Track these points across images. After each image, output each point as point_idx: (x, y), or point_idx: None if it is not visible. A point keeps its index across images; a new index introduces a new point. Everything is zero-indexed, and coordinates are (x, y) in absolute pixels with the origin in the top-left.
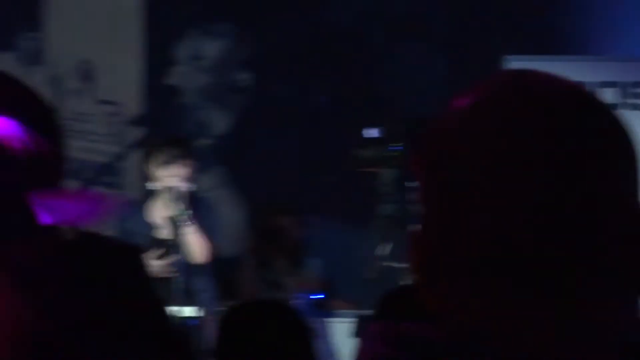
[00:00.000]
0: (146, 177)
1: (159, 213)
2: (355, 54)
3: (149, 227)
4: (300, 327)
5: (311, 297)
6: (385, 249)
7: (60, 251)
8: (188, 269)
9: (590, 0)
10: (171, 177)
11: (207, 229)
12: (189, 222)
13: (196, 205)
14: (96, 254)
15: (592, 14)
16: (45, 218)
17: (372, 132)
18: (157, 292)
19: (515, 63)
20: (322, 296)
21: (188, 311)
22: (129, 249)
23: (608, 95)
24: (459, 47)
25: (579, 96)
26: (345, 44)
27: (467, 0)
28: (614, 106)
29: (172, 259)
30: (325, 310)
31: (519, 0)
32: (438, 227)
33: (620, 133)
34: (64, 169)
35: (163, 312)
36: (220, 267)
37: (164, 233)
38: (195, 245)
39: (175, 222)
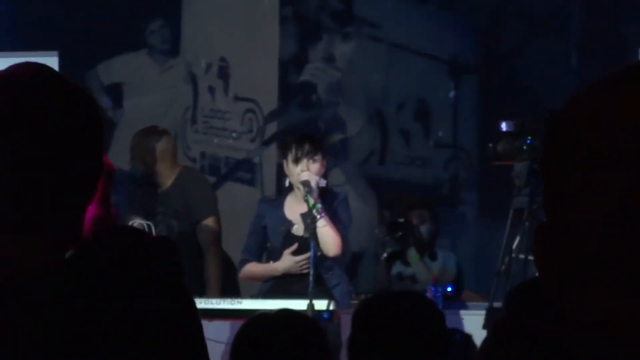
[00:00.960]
0: (282, 173)
1: (293, 208)
2: (490, 48)
3: (285, 222)
4: (434, 316)
5: (443, 289)
6: (516, 241)
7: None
8: (321, 263)
9: None
10: (303, 172)
11: (339, 222)
12: (321, 217)
13: (328, 200)
14: (128, 249)
15: None
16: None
17: (508, 126)
18: (186, 289)
19: None
20: (454, 288)
21: (321, 305)
22: (164, 242)
23: None
24: (592, 42)
25: None
26: (479, 39)
27: None
28: None
29: (308, 254)
30: (457, 301)
31: None
32: (561, 220)
33: None
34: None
35: (192, 312)
36: (353, 261)
37: (299, 230)
38: (328, 239)
39: (307, 217)
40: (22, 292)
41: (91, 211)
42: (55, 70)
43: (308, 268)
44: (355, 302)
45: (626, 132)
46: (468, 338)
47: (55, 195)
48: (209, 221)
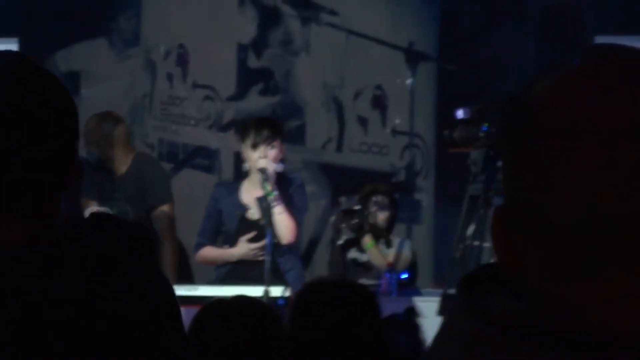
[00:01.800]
0: (240, 160)
1: (250, 192)
2: (451, 37)
3: (240, 206)
4: (370, 306)
5: (398, 276)
6: (472, 228)
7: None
8: (276, 249)
9: None
10: (260, 158)
11: (295, 209)
12: (277, 204)
13: (284, 186)
14: (105, 234)
15: None
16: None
17: (464, 113)
18: (162, 275)
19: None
20: (409, 275)
21: (276, 291)
22: (136, 228)
23: None
24: (550, 29)
25: None
26: (441, 27)
27: None
28: None
29: (263, 242)
30: (411, 288)
31: None
32: (521, 198)
33: None
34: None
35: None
36: (308, 247)
37: (254, 214)
38: (283, 226)
39: (263, 202)
40: None
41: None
42: (24, 56)
43: (263, 255)
44: None
45: (582, 116)
46: (412, 311)
47: (25, 179)
48: (164, 207)
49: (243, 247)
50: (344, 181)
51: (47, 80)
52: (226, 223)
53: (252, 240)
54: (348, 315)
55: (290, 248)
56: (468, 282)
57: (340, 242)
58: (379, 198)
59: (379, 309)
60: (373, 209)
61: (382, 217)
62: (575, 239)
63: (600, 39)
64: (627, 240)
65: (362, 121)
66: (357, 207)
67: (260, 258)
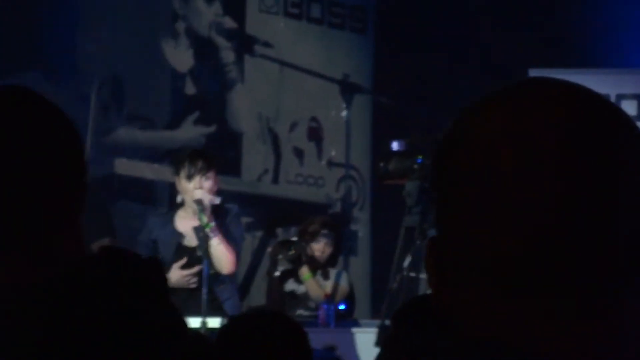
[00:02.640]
0: (175, 190)
1: (184, 222)
2: (386, 69)
3: (176, 235)
4: (299, 338)
5: (336, 307)
6: (408, 260)
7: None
8: (212, 279)
9: (614, 13)
10: (196, 190)
11: (232, 239)
12: (214, 235)
13: (221, 216)
14: (118, 269)
15: (617, 27)
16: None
17: (399, 145)
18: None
19: (538, 75)
20: (347, 306)
21: (214, 322)
22: (150, 262)
23: (629, 108)
24: (483, 61)
25: (599, 106)
26: (376, 60)
27: (491, 15)
28: (637, 118)
29: (196, 269)
30: (349, 319)
31: (542, 13)
32: (452, 233)
33: None
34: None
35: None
36: (245, 277)
37: (191, 242)
38: (222, 257)
39: (200, 233)
40: (8, 318)
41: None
42: (32, 90)
43: (196, 282)
44: None
45: (505, 155)
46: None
47: (33, 215)
48: (104, 241)
49: (175, 274)
50: (280, 213)
51: (54, 115)
52: (162, 252)
53: (184, 266)
54: (275, 349)
55: (228, 277)
56: (401, 314)
57: (277, 273)
58: (325, 232)
59: (308, 342)
60: (319, 243)
61: (327, 251)
62: (509, 275)
63: (533, 72)
64: (552, 277)
65: (298, 153)
66: (293, 239)
67: (193, 285)
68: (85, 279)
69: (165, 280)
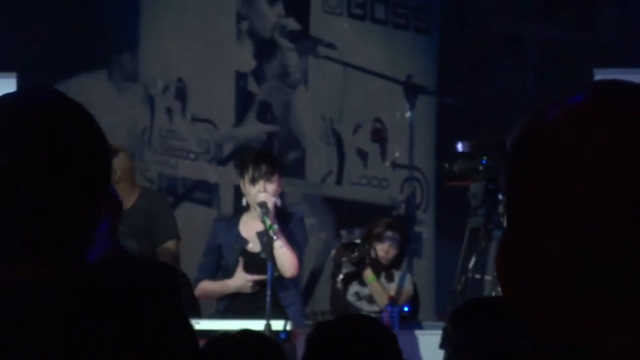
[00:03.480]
0: (239, 193)
1: (249, 226)
2: (445, 69)
3: (240, 240)
4: (388, 341)
5: (400, 309)
6: (472, 261)
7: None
8: (277, 282)
9: None
10: (259, 192)
11: (295, 243)
12: (278, 238)
13: (284, 220)
14: (129, 274)
15: None
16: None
17: (464, 146)
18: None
19: (603, 76)
20: (411, 308)
21: (277, 325)
22: (163, 268)
23: None
24: (548, 62)
25: None
26: (440, 60)
27: (555, 16)
28: None
29: (261, 277)
30: (413, 321)
31: (609, 14)
32: (524, 236)
33: None
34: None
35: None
36: (309, 281)
37: (254, 247)
38: (285, 260)
39: (263, 237)
40: (29, 321)
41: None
42: (69, 98)
43: (259, 287)
44: (310, 322)
45: (588, 154)
46: None
47: (63, 223)
48: (170, 244)
49: (240, 279)
50: (344, 214)
51: (80, 118)
52: (225, 257)
53: (250, 271)
54: (369, 352)
55: (291, 281)
56: (459, 315)
57: (341, 276)
58: (390, 234)
59: (398, 344)
60: (384, 244)
61: (391, 253)
62: (579, 276)
63: (599, 73)
64: (628, 274)
65: (362, 154)
66: (357, 241)
67: (257, 290)
68: (97, 283)
69: (177, 286)
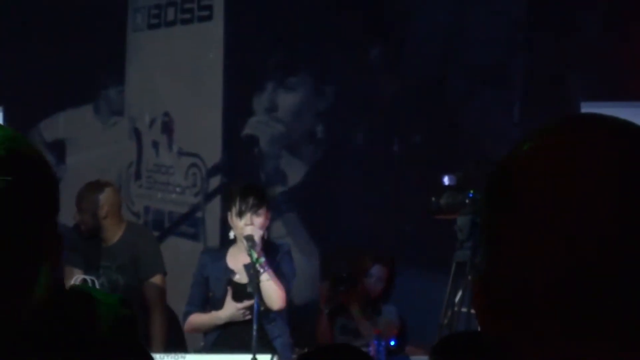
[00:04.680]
0: (226, 226)
1: (236, 258)
2: (432, 102)
3: (227, 272)
4: None
5: (386, 343)
6: (459, 295)
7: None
8: (264, 315)
9: None
10: (247, 225)
11: (282, 275)
12: (264, 271)
13: (271, 253)
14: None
15: None
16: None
17: (450, 179)
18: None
19: (590, 108)
20: (397, 342)
21: (263, 358)
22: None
23: None
24: (535, 94)
25: None
26: (422, 92)
27: (543, 48)
28: None
29: (251, 302)
30: (400, 355)
31: (595, 47)
32: (503, 267)
33: None
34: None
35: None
36: (295, 313)
37: (242, 279)
38: (272, 293)
39: (250, 270)
40: None
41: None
42: (11, 131)
43: (250, 315)
44: (297, 355)
45: (561, 185)
46: None
47: (11, 260)
48: (156, 279)
49: (230, 308)
50: (339, 247)
51: (27, 152)
52: (213, 289)
53: (238, 300)
54: None
55: (279, 314)
56: (441, 348)
57: (327, 310)
58: (378, 268)
59: None
60: (371, 278)
61: (379, 286)
62: (561, 304)
63: (585, 105)
64: (612, 308)
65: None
66: (344, 274)
67: (249, 317)
68: (47, 319)
69: (133, 318)
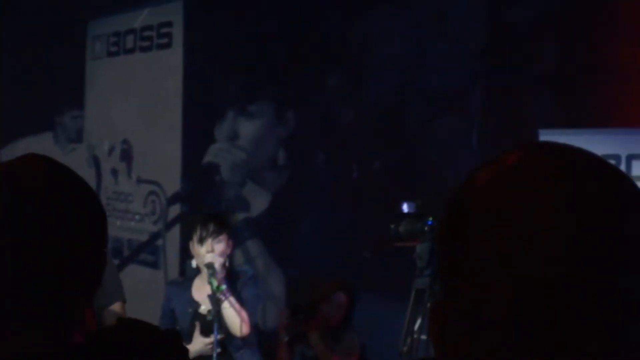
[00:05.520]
0: (186, 255)
1: (201, 291)
2: (391, 129)
3: (192, 303)
4: None
5: None
6: (418, 322)
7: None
8: (231, 343)
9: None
10: (207, 252)
11: (247, 302)
12: (226, 297)
13: (234, 280)
14: (137, 342)
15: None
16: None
17: (409, 207)
18: None
19: (549, 136)
20: None
21: None
22: (168, 334)
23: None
24: (493, 122)
25: (601, 167)
26: (381, 120)
27: (501, 76)
28: None
29: (213, 334)
30: None
31: (552, 75)
32: (459, 293)
33: None
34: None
35: None
36: (265, 339)
37: (206, 309)
38: (234, 319)
39: (213, 298)
40: None
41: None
42: (59, 163)
43: (215, 348)
44: None
45: (515, 211)
46: None
47: (60, 290)
48: (116, 306)
49: (197, 343)
50: (300, 274)
51: (79, 186)
52: (179, 322)
53: (206, 335)
54: None
55: (245, 341)
56: None
57: (286, 337)
58: (338, 295)
59: None
60: (332, 304)
61: (339, 313)
62: (513, 335)
63: (543, 133)
64: (560, 341)
65: None
66: (303, 302)
67: (218, 350)
68: (107, 350)
69: (183, 350)
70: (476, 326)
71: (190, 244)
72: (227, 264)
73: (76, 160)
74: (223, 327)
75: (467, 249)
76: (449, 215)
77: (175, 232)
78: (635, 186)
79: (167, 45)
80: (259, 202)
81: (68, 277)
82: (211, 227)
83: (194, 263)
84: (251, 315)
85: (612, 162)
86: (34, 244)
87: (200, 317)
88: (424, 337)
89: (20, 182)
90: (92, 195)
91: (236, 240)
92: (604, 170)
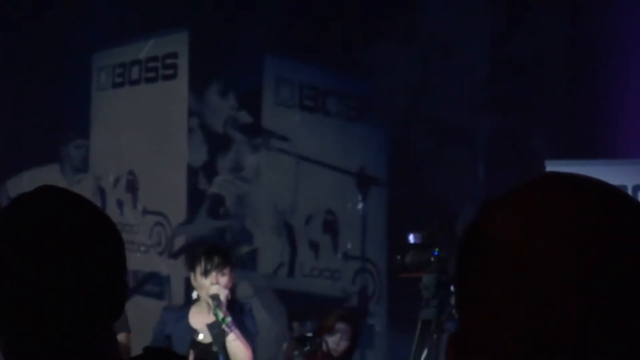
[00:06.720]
0: (190, 285)
1: (199, 319)
2: (397, 160)
3: (190, 331)
4: None
5: None
6: (425, 353)
7: None
8: None
9: (630, 104)
10: (212, 284)
11: (248, 335)
12: (229, 329)
13: (236, 312)
14: None
15: (633, 117)
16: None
17: (415, 238)
18: None
19: (555, 167)
20: None
21: None
22: None
23: None
24: (499, 153)
25: (615, 198)
26: (391, 152)
27: (507, 106)
28: None
29: None
30: None
31: (560, 106)
32: (474, 329)
33: None
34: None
35: None
36: None
37: (205, 339)
38: (239, 352)
39: (214, 329)
40: None
41: None
42: (77, 194)
43: None
44: None
45: (538, 242)
46: None
47: (93, 316)
48: (121, 337)
49: None
50: (296, 306)
51: (98, 215)
52: (176, 349)
53: None
54: None
55: None
56: None
57: None
58: (342, 326)
59: None
60: (335, 336)
61: (343, 345)
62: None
63: (550, 164)
64: None
65: (314, 246)
66: (309, 334)
67: None
68: None
69: None
70: (493, 358)
71: (192, 276)
72: (229, 297)
73: (82, 191)
74: (227, 359)
75: (485, 284)
76: (465, 251)
77: (180, 263)
78: None
79: (173, 76)
80: (262, 235)
81: (94, 304)
82: (216, 259)
83: (194, 294)
84: (252, 348)
85: None
86: (59, 273)
87: (198, 346)
88: None
89: (41, 213)
90: (112, 224)
91: (239, 272)
92: (623, 205)
